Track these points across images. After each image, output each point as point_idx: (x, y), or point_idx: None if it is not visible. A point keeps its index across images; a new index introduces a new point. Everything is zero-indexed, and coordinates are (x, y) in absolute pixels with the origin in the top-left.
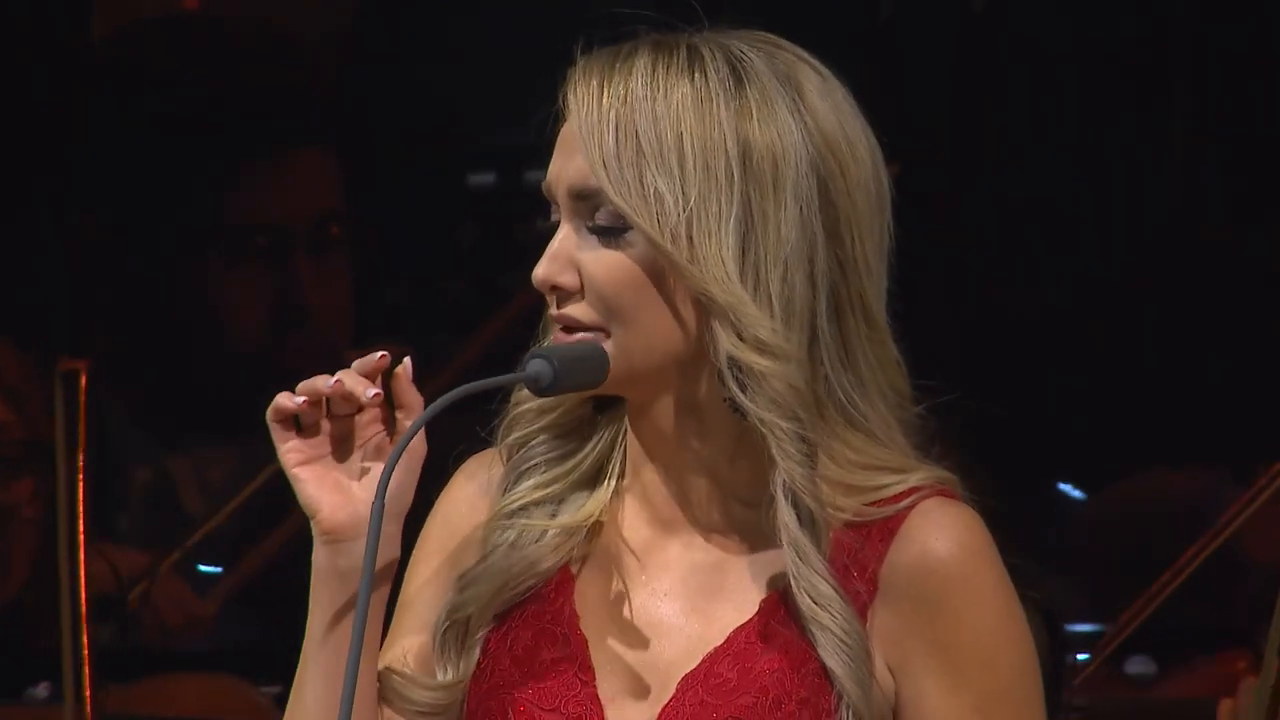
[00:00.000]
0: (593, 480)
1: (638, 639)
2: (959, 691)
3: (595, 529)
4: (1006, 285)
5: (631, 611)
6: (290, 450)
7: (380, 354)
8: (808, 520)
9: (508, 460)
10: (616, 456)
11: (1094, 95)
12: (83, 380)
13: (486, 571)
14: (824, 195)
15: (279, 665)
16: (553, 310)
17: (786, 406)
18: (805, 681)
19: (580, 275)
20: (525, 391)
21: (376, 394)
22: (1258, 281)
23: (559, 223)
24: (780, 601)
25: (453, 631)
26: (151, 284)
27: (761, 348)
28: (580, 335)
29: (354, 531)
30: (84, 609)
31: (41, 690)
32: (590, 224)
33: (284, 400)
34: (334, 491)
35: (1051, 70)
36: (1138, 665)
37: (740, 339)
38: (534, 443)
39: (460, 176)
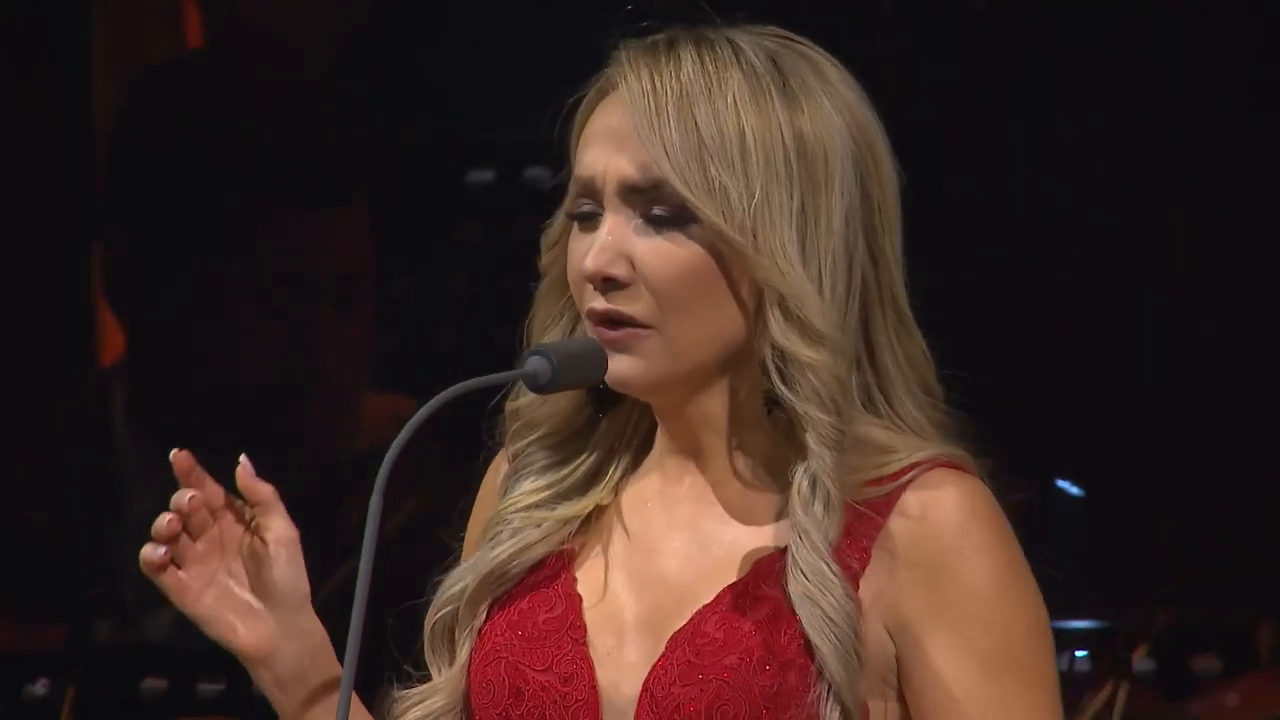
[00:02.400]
0: (589, 483)
1: (632, 598)
2: (962, 650)
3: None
4: (1006, 280)
5: (628, 572)
6: (180, 591)
7: (182, 452)
8: (823, 504)
9: (510, 463)
10: (617, 461)
11: (1095, 93)
12: None
13: (471, 568)
14: (863, 187)
15: None
16: (596, 305)
17: (829, 399)
18: (791, 644)
19: (633, 268)
20: (518, 395)
21: (193, 496)
22: (1260, 280)
23: (591, 213)
24: (775, 563)
25: (440, 627)
26: (170, 319)
27: (815, 339)
28: (627, 331)
29: (271, 644)
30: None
31: (40, 687)
32: (645, 216)
33: (147, 553)
34: (238, 614)
35: (1052, 69)
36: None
37: (795, 331)
38: (530, 450)
39: (460, 174)
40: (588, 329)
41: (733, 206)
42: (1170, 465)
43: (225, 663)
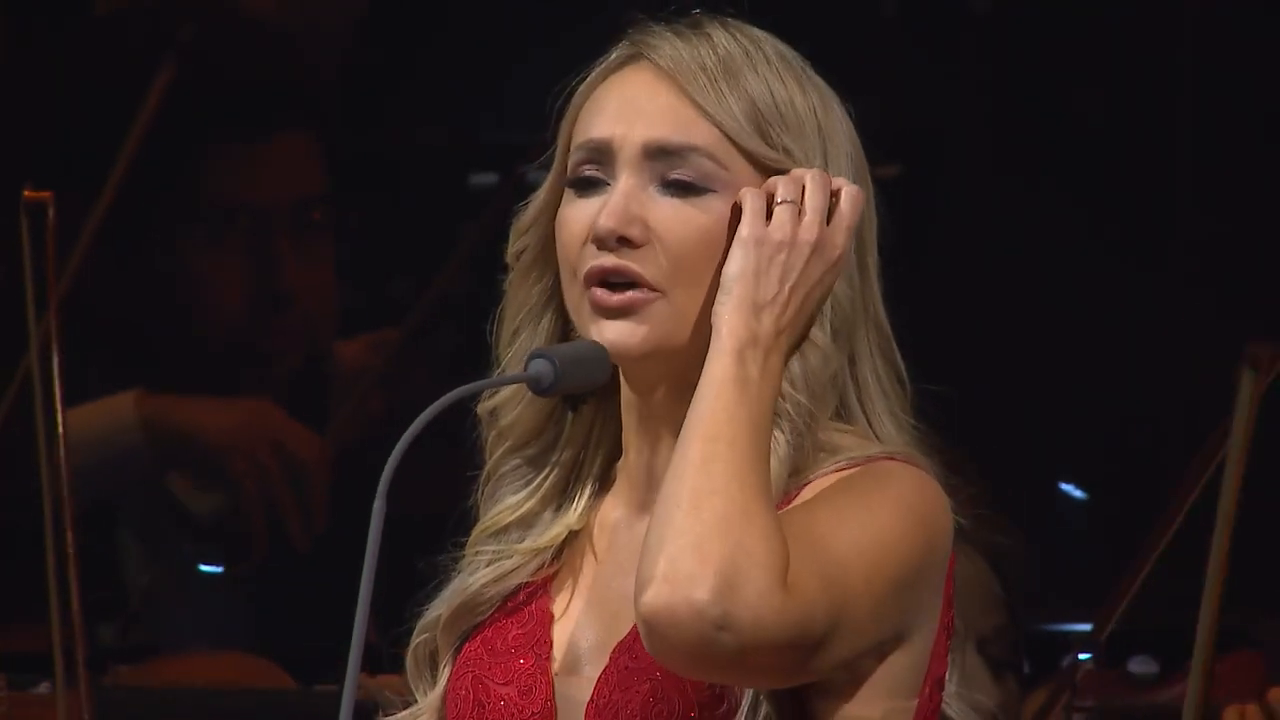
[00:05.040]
0: (560, 494)
1: (596, 614)
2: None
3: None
4: (1008, 282)
5: (594, 591)
6: None
7: None
8: None
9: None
10: (586, 470)
11: (1097, 95)
12: (50, 212)
13: (447, 598)
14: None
15: (279, 664)
16: (604, 261)
17: (812, 384)
18: None
19: (649, 231)
20: (489, 395)
21: None
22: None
23: (593, 179)
24: None
25: (421, 653)
26: (131, 267)
27: (820, 321)
28: (631, 294)
29: None
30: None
31: (44, 689)
32: (663, 181)
33: None
34: None
35: (1054, 69)
36: (1139, 665)
37: None
38: (504, 461)
39: (463, 176)
40: (577, 301)
41: (796, 165)
42: (1171, 469)
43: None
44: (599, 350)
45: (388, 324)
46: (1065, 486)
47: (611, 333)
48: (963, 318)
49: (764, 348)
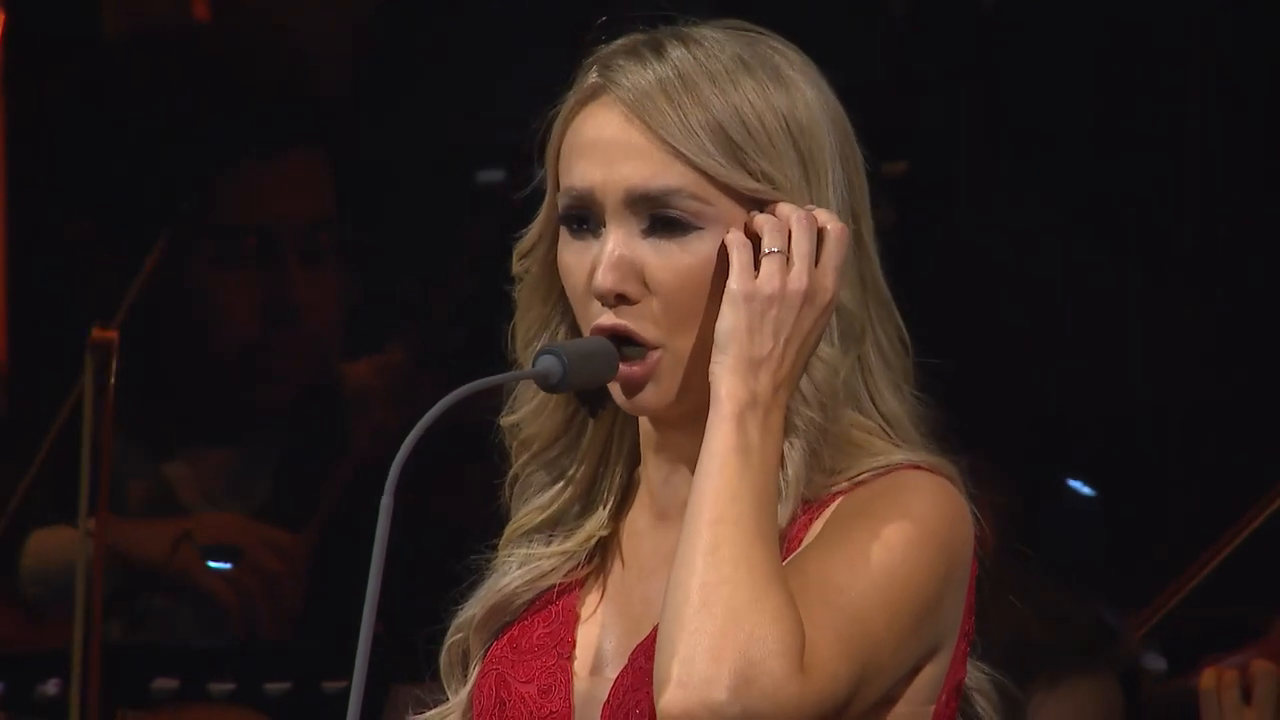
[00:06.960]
0: (585, 497)
1: (619, 617)
2: (818, 547)
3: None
4: (1015, 279)
5: (620, 595)
6: None
7: None
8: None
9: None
10: (609, 476)
11: (1106, 93)
12: (115, 354)
13: (481, 598)
14: (845, 173)
15: (286, 664)
16: (604, 321)
17: (823, 397)
18: None
19: (644, 283)
20: (511, 409)
21: None
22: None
23: (584, 217)
24: None
25: (455, 651)
26: (142, 284)
27: (826, 335)
28: (639, 366)
29: None
30: (98, 609)
31: (51, 687)
32: (651, 223)
33: None
34: None
35: (1061, 68)
36: (1148, 662)
37: None
38: (528, 468)
39: (470, 174)
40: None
41: (786, 192)
42: (1178, 466)
43: (236, 662)
44: (607, 346)
45: (397, 328)
46: (1073, 483)
47: (634, 399)
48: (970, 315)
49: (764, 407)
